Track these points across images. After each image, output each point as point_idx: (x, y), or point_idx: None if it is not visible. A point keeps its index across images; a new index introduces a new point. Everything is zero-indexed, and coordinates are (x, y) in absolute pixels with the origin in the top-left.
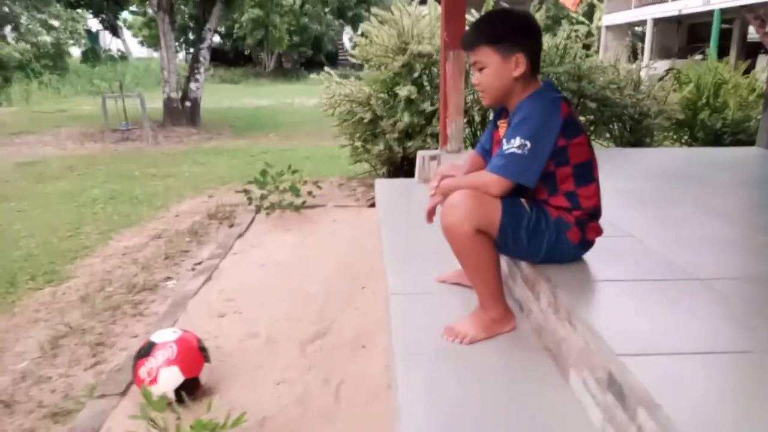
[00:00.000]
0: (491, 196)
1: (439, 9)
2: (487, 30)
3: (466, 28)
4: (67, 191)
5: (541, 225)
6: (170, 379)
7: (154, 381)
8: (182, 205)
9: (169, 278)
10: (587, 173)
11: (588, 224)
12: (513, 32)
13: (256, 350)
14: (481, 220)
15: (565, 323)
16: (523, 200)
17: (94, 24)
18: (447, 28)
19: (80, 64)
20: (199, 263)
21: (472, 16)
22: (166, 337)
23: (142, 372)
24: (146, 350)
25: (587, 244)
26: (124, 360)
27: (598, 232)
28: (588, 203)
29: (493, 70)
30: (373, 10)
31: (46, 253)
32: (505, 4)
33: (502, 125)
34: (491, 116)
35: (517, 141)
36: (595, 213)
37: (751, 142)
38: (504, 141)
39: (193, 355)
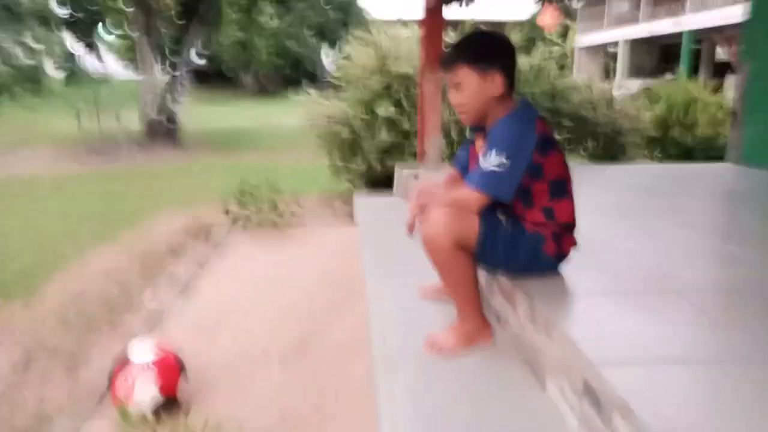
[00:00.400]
0: (470, 211)
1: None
2: (465, 51)
3: (444, 49)
4: (46, 209)
5: (518, 238)
6: (148, 398)
7: (130, 400)
8: (161, 222)
9: (146, 295)
10: (562, 188)
11: (563, 237)
12: (490, 53)
13: (236, 364)
14: (459, 234)
15: (542, 333)
16: (500, 214)
17: (76, 47)
18: (426, 49)
19: (62, 86)
20: (177, 280)
21: (450, 38)
22: (144, 356)
23: (120, 390)
24: (123, 367)
25: (563, 257)
26: (98, 378)
27: (573, 244)
28: (563, 217)
29: (471, 90)
30: (355, 32)
31: (21, 268)
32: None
33: (479, 142)
34: (468, 132)
35: (495, 158)
36: (570, 226)
37: (721, 158)
38: (482, 158)
39: (172, 373)
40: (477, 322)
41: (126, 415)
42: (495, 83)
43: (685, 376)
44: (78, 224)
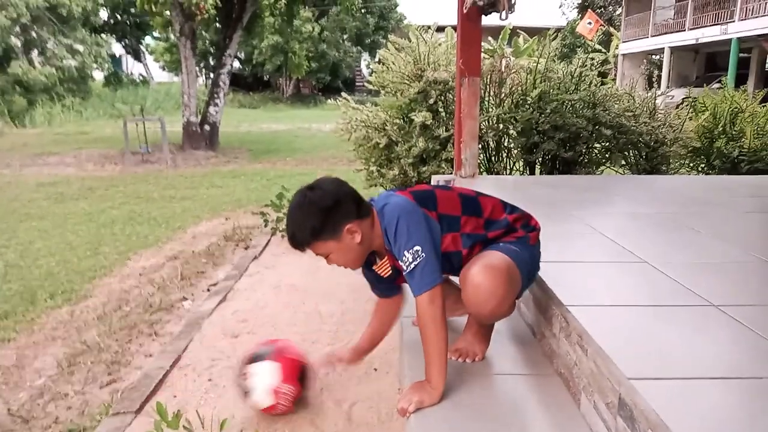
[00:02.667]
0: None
1: (456, 37)
2: (300, 232)
3: (483, 55)
4: (87, 211)
5: (527, 257)
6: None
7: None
8: (199, 227)
9: (184, 299)
10: (472, 205)
11: (522, 222)
12: (325, 218)
13: None
14: (511, 296)
15: (576, 347)
16: (513, 248)
17: (117, 49)
18: (462, 55)
19: (102, 87)
20: (215, 284)
21: (488, 43)
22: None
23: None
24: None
25: (537, 232)
26: (138, 378)
27: (530, 217)
28: (497, 212)
29: (338, 253)
30: (391, 37)
31: (65, 271)
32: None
33: (381, 267)
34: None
35: (409, 256)
36: (513, 209)
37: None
38: (402, 264)
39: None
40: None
41: (164, 413)
42: (353, 233)
43: (721, 392)
44: (120, 228)
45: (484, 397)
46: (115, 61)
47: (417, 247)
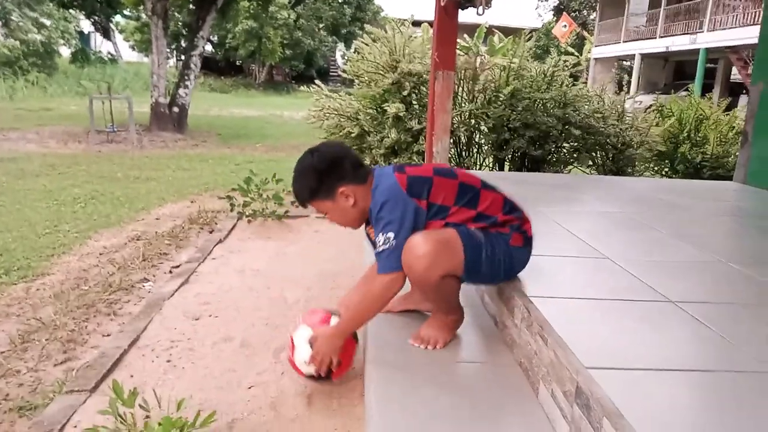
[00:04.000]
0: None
1: (432, 32)
2: (300, 191)
3: (458, 51)
4: (48, 189)
5: (496, 250)
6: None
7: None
8: (163, 209)
9: (145, 279)
10: (470, 194)
11: (517, 222)
12: (320, 179)
13: (230, 354)
14: (447, 267)
15: (537, 337)
16: (472, 230)
17: (86, 25)
18: (438, 49)
19: (69, 64)
20: (177, 266)
21: (464, 41)
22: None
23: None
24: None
25: (530, 240)
26: (95, 357)
27: (528, 222)
28: (496, 208)
29: (334, 213)
30: (367, 27)
31: (22, 248)
32: (496, 31)
33: (369, 232)
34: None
35: (381, 238)
36: (513, 208)
37: (729, 177)
38: (376, 242)
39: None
40: (458, 312)
41: (120, 391)
42: (347, 196)
43: (675, 383)
44: (82, 207)
45: (445, 385)
46: (83, 37)
47: (390, 234)
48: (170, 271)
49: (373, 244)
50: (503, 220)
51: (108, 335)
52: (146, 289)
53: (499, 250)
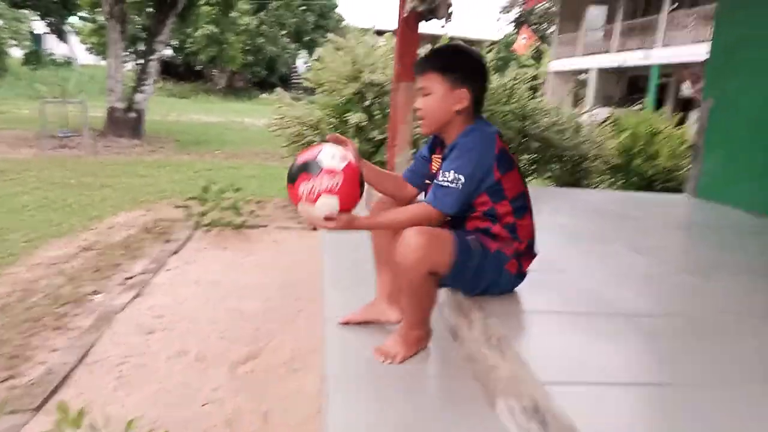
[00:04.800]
0: (424, 221)
1: (395, 42)
2: (440, 59)
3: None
4: None
5: (485, 261)
6: (327, 206)
7: (312, 201)
8: (117, 218)
9: (96, 292)
10: (523, 204)
11: (524, 255)
12: (463, 67)
13: (184, 369)
14: (436, 263)
15: (495, 352)
16: (468, 237)
17: (39, 26)
18: (400, 60)
19: (21, 66)
20: (131, 278)
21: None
22: (334, 163)
23: (303, 188)
24: (313, 169)
25: (523, 276)
26: (41, 374)
27: (531, 261)
28: (525, 235)
29: (436, 98)
30: (330, 36)
31: None
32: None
33: (436, 159)
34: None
35: (451, 175)
36: (532, 244)
37: (679, 190)
38: (440, 173)
39: (354, 190)
40: (425, 329)
41: (66, 410)
42: (461, 99)
43: (631, 398)
44: (31, 215)
45: (400, 398)
46: (37, 39)
47: (461, 176)
48: (123, 283)
49: (432, 175)
50: (518, 247)
51: (55, 350)
52: (97, 302)
53: (489, 267)
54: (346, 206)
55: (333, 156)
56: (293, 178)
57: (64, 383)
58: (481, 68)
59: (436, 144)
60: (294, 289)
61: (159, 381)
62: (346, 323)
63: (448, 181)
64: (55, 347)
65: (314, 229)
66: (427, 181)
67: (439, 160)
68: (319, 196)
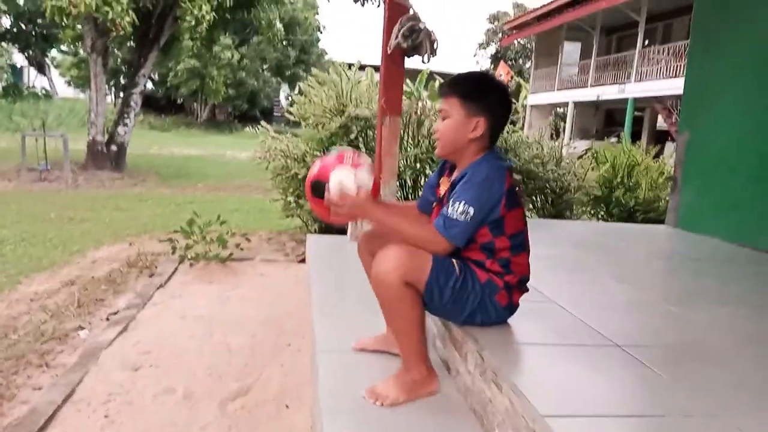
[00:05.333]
0: (430, 252)
1: (377, 76)
2: (463, 85)
3: (403, 97)
4: None
5: (468, 286)
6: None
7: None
8: (100, 252)
9: (80, 327)
10: (521, 242)
11: (516, 289)
12: (485, 96)
13: (172, 407)
14: (410, 272)
15: (491, 384)
16: (454, 260)
17: (19, 59)
18: (385, 94)
19: (0, 99)
20: (115, 313)
21: (406, 85)
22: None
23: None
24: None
25: (513, 308)
26: (25, 414)
27: (523, 293)
28: (520, 270)
29: (453, 123)
30: (313, 71)
31: None
32: (437, 76)
33: (444, 182)
34: (425, 180)
35: (461, 206)
36: (525, 280)
37: (660, 221)
38: (450, 203)
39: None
40: (422, 372)
41: None
42: (477, 127)
43: (628, 429)
44: (11, 249)
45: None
46: (16, 71)
47: (471, 210)
48: (107, 318)
49: (438, 199)
50: (510, 279)
51: (39, 389)
52: (81, 338)
53: (472, 292)
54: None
55: (343, 182)
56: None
57: (49, 423)
58: (503, 101)
59: (444, 168)
60: (281, 323)
61: (147, 419)
62: (361, 350)
63: (457, 212)
64: (39, 385)
65: (302, 261)
66: (434, 204)
67: (447, 183)
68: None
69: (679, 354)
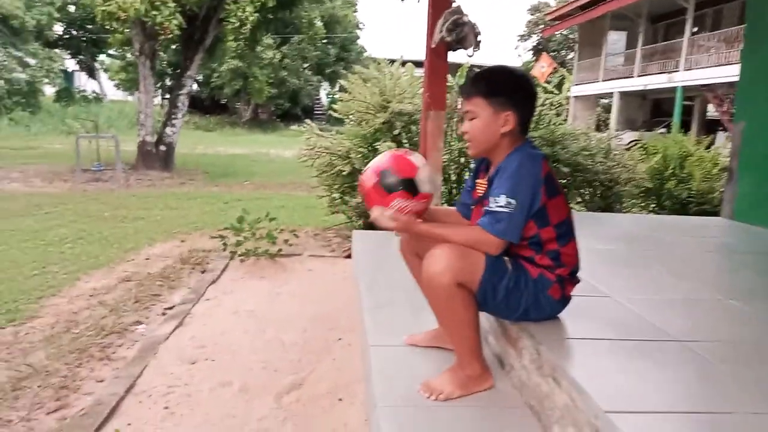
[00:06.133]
0: (483, 252)
1: (417, 71)
2: (484, 83)
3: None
4: (34, 229)
5: (521, 284)
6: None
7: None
8: (153, 249)
9: (138, 322)
10: (567, 230)
11: (568, 281)
12: (509, 90)
13: (229, 399)
14: (462, 273)
15: (549, 380)
16: (506, 258)
17: (70, 64)
18: (429, 89)
19: (53, 102)
20: (171, 308)
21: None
22: (427, 188)
23: (397, 203)
24: (413, 190)
25: (567, 300)
26: (90, 405)
27: (575, 284)
28: (570, 260)
29: (482, 122)
30: (357, 68)
31: (8, 290)
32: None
33: (480, 184)
34: (469, 174)
35: (502, 199)
36: (575, 270)
37: (715, 213)
38: (491, 199)
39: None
40: (476, 368)
41: None
42: (507, 121)
43: (694, 427)
44: (69, 247)
45: (452, 428)
46: (68, 76)
47: (514, 201)
48: (163, 314)
49: (476, 200)
50: (561, 272)
51: (102, 381)
52: (139, 332)
53: (525, 290)
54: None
55: (430, 180)
56: (391, 188)
57: (113, 414)
58: (527, 90)
59: (480, 170)
60: (330, 318)
61: (205, 411)
62: (413, 345)
63: (500, 205)
64: (102, 378)
65: (348, 256)
66: (472, 207)
67: (483, 184)
68: (408, 212)
69: (741, 350)
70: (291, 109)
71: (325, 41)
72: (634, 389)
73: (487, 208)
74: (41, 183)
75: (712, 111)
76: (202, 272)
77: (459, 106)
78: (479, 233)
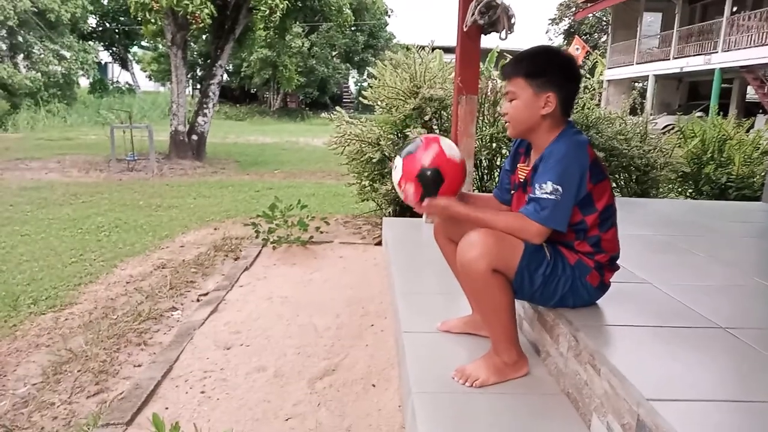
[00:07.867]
0: (528, 240)
1: (446, 57)
2: (525, 63)
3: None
4: (71, 217)
5: (558, 271)
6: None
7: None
8: (187, 236)
9: (174, 308)
10: (610, 217)
11: (607, 267)
12: (550, 71)
13: (264, 384)
14: (499, 260)
15: (587, 367)
16: (544, 244)
17: (104, 56)
18: (461, 73)
19: (87, 94)
20: (205, 294)
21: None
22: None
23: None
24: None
25: (605, 287)
26: (129, 389)
27: (613, 274)
28: (610, 247)
29: (522, 103)
30: (387, 53)
31: (49, 277)
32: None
33: (522, 168)
34: (501, 160)
35: (549, 186)
36: (615, 258)
37: (756, 198)
38: (535, 186)
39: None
40: (512, 355)
41: (160, 425)
42: (547, 103)
43: (740, 415)
44: (106, 235)
45: (488, 414)
46: (102, 68)
47: (560, 187)
48: (198, 300)
49: (517, 185)
50: (600, 258)
51: (139, 366)
52: (175, 318)
53: (564, 276)
54: (445, 192)
55: (451, 147)
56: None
57: (151, 398)
58: (569, 71)
59: (519, 154)
60: (363, 304)
61: (241, 396)
62: (446, 331)
63: (546, 192)
64: (139, 362)
65: (378, 243)
66: (513, 192)
67: (525, 169)
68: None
69: None
70: (319, 98)
71: (353, 28)
72: (677, 377)
73: (531, 195)
74: (78, 173)
75: (751, 93)
76: (236, 259)
77: (489, 92)
78: (522, 221)
